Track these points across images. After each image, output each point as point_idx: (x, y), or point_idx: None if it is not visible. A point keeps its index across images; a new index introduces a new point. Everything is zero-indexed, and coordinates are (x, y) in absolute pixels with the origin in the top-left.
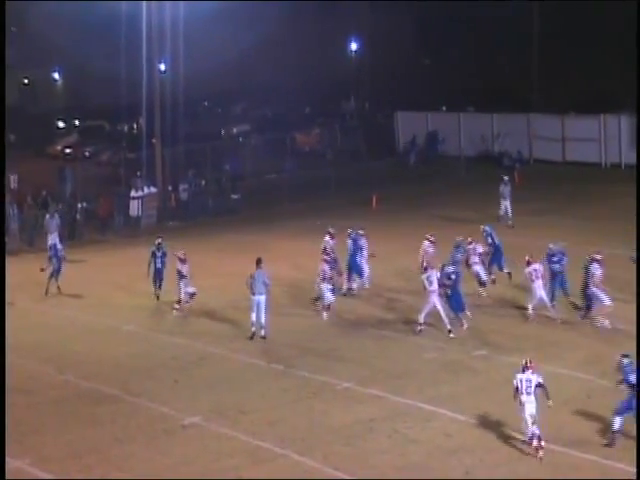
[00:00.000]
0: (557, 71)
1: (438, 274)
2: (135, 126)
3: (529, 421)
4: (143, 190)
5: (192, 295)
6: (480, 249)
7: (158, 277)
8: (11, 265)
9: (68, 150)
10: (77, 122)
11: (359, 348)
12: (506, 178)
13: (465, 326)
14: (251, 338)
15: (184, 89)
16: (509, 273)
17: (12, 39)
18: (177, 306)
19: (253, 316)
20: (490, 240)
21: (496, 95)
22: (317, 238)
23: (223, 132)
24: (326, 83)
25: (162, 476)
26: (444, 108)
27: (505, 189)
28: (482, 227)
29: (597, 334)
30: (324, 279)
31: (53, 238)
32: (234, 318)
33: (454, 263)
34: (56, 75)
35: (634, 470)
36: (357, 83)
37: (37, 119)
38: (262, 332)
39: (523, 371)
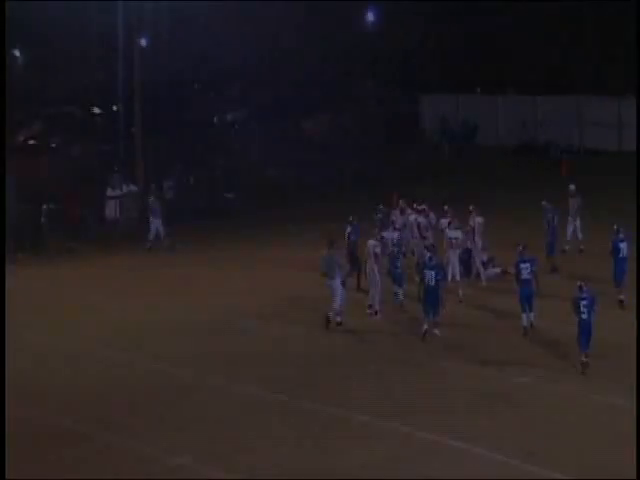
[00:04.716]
0: (613, 48)
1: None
2: (111, 113)
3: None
4: (121, 188)
5: None
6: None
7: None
8: None
9: (31, 142)
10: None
11: (378, 374)
12: (572, 187)
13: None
14: (339, 324)
15: (170, 68)
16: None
17: None
18: None
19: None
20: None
21: (540, 74)
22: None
23: (216, 119)
24: (339, 61)
25: None
26: (479, 90)
27: (573, 202)
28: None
29: None
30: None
31: None
32: (227, 341)
33: None
34: (17, 52)
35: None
36: (375, 60)
37: None
38: (337, 319)
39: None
